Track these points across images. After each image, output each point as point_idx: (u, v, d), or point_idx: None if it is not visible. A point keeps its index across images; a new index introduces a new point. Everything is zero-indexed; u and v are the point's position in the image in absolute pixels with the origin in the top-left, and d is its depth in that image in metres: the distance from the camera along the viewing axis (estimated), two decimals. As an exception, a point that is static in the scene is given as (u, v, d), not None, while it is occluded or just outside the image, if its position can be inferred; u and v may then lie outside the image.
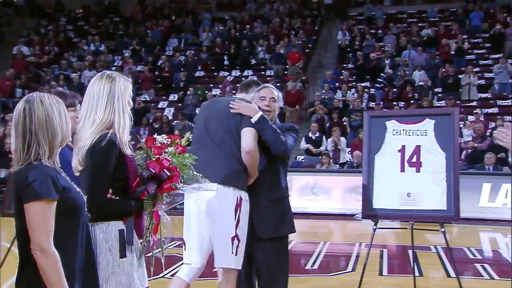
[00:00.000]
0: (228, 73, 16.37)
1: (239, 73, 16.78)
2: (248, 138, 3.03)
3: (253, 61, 17.09)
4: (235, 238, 2.97)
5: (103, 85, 2.28)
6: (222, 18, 19.37)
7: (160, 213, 2.35)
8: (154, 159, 2.34)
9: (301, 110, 14.38)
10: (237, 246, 2.97)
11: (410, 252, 4.99)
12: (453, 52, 15.18)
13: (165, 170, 2.31)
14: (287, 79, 15.63)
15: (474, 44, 16.09)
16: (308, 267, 5.81)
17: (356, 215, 8.18)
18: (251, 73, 16.72)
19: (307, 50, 17.30)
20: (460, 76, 13.88)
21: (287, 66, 16.21)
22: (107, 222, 2.22)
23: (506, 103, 13.23)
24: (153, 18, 19.64)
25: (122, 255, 2.21)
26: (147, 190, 2.27)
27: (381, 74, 14.51)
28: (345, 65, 16.17)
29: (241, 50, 16.85)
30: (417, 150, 4.11)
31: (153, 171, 2.29)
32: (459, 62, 14.90)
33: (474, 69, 14.21)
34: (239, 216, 2.98)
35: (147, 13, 19.98)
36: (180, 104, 15.38)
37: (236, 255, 2.97)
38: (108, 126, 2.25)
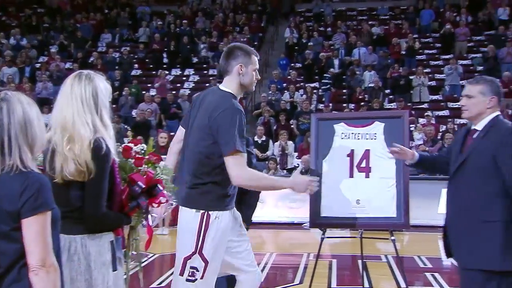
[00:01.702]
0: (167, 72, 16.18)
1: (180, 72, 16.63)
2: (231, 170, 2.80)
3: (195, 59, 16.99)
4: (195, 260, 2.81)
5: (84, 87, 2.27)
6: (160, 12, 19.15)
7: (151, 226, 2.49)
8: (135, 171, 2.41)
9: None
10: (196, 270, 2.80)
11: (360, 262, 5.08)
12: (404, 52, 15.73)
13: (158, 185, 2.43)
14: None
15: (424, 43, 16.76)
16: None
17: (304, 224, 8.27)
18: (193, 71, 16.62)
19: (252, 48, 17.37)
20: (411, 77, 14.40)
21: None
22: (99, 234, 2.25)
23: (457, 106, 13.81)
24: (84, 11, 19.12)
25: (114, 268, 2.26)
26: (139, 206, 2.35)
27: (325, 75, 14.80)
28: (293, 64, 16.39)
29: (181, 47, 16.71)
30: (367, 154, 4.20)
31: (143, 186, 2.36)
32: (410, 62, 15.47)
33: (425, 70, 14.79)
34: (204, 235, 2.81)
35: (77, 4, 19.45)
36: (114, 105, 15.01)
37: (192, 281, 2.81)
38: (95, 130, 2.24)
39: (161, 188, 2.46)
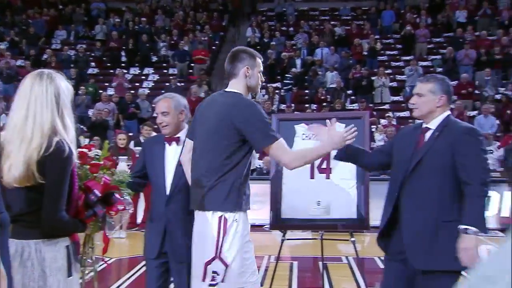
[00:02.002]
0: (125, 71, 15.95)
1: (138, 71, 16.43)
2: (281, 157, 2.83)
3: (154, 58, 16.82)
4: (215, 264, 2.77)
5: (45, 87, 2.21)
6: (118, 9, 18.87)
7: (107, 234, 2.48)
8: (90, 177, 2.38)
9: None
10: (217, 274, 2.77)
11: (320, 263, 5.13)
12: (365, 53, 16.00)
13: (115, 193, 2.41)
14: (192, 78, 15.55)
15: (386, 44, 17.09)
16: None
17: (265, 226, 8.29)
18: (152, 71, 16.45)
19: (213, 47, 17.35)
20: (373, 78, 14.65)
21: (192, 64, 16.14)
22: (55, 240, 2.20)
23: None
24: (36, 6, 18.64)
25: (69, 273, 2.22)
26: (96, 214, 2.33)
27: (287, 75, 14.90)
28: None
29: (140, 45, 16.51)
30: (327, 155, 4.23)
31: (99, 195, 2.33)
32: (372, 63, 15.75)
33: (386, 71, 15.08)
34: (223, 239, 2.78)
35: (29, -1, 18.94)
36: (69, 105, 14.68)
37: (214, 286, 2.79)
38: (55, 132, 2.18)
39: (118, 196, 2.44)
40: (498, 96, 13.84)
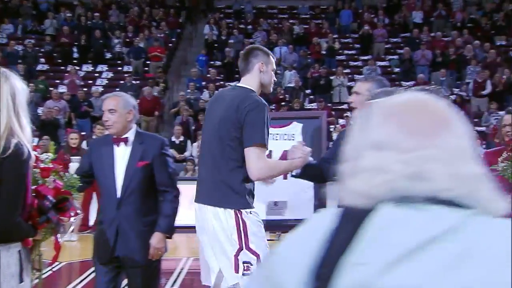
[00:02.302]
0: (78, 68, 15.61)
1: (92, 68, 16.12)
2: (249, 165, 2.85)
3: (108, 55, 16.53)
4: (245, 255, 2.83)
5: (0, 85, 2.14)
6: (69, 3, 18.42)
7: (59, 239, 2.44)
8: (40, 182, 2.33)
9: (160, 121, 14.19)
10: (250, 264, 2.83)
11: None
12: (324, 52, 16.20)
13: (70, 200, 2.39)
14: (147, 76, 15.38)
15: (344, 44, 17.36)
16: (167, 287, 5.72)
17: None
18: (106, 68, 16.17)
19: (170, 45, 17.20)
20: (331, 78, 14.85)
21: (148, 62, 15.95)
22: (7, 245, 2.13)
23: (375, 106, 14.45)
24: (-19, -2, 18.02)
25: (21, 279, 2.17)
26: (49, 220, 2.29)
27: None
28: (212, 62, 16.38)
29: (93, 41, 16.19)
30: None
31: (54, 201, 2.29)
32: (330, 62, 15.96)
33: (345, 71, 15.32)
34: (245, 231, 2.84)
35: (-28, -9, 18.28)
36: (17, 103, 14.26)
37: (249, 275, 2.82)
38: (12, 133, 2.11)
39: (72, 202, 2.42)
40: (453, 97, 14.28)
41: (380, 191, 0.80)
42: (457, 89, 14.68)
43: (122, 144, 3.24)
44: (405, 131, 0.81)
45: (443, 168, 0.78)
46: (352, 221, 0.81)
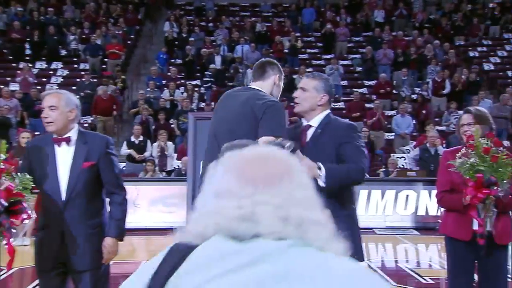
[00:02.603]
0: (31, 65, 15.24)
1: (46, 65, 15.78)
2: None
3: (63, 52, 16.20)
4: None
5: None
6: (22, -3, 17.99)
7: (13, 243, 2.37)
8: None
9: (117, 121, 14.01)
10: None
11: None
12: (286, 50, 16.31)
13: (23, 203, 2.35)
14: (105, 74, 15.14)
15: (306, 42, 17.51)
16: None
17: (184, 229, 8.24)
18: (61, 65, 15.85)
19: (129, 42, 16.99)
20: (294, 76, 14.95)
21: (106, 60, 15.71)
22: None
23: (337, 106, 14.61)
24: None
25: None
26: (1, 224, 2.27)
27: (206, 72, 14.90)
28: (172, 60, 16.26)
29: (47, 37, 15.83)
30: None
31: (6, 204, 2.26)
32: (293, 61, 16.08)
33: (307, 69, 15.44)
34: None
35: None
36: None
37: None
38: None
39: (25, 205, 2.34)
40: (414, 96, 14.60)
41: (211, 231, 0.91)
42: (418, 89, 15.00)
43: (63, 144, 3.14)
44: (242, 180, 0.91)
45: (273, 212, 0.88)
46: (178, 253, 0.95)
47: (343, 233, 2.62)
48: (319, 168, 2.81)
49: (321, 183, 2.77)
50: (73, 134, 3.16)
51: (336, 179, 2.82)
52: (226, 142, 2.87)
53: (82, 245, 3.09)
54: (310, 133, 3.05)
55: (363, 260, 3.07)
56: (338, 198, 2.88)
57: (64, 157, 3.12)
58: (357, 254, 2.90)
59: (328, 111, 3.10)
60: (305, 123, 3.09)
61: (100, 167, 3.16)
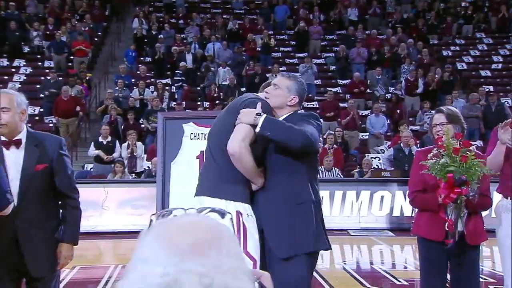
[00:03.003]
0: (-8, 62, 14.98)
1: (7, 63, 15.54)
2: (232, 136, 2.93)
3: (26, 49, 15.94)
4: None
5: None
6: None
7: None
8: None
9: (87, 121, 13.85)
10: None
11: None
12: (259, 49, 16.36)
13: None
14: (71, 72, 14.96)
15: (279, 40, 17.60)
16: (95, 298, 5.64)
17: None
18: (24, 62, 15.61)
19: (96, 39, 16.81)
20: (267, 75, 15.00)
21: (72, 57, 15.52)
22: None
23: (311, 105, 14.73)
24: None
25: None
26: None
27: (177, 71, 14.86)
28: (142, 58, 16.16)
29: (8, 33, 15.56)
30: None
31: None
32: (266, 59, 16.14)
33: (281, 68, 15.51)
34: (245, 232, 2.89)
35: None
36: None
37: None
38: None
39: None
40: (388, 96, 14.81)
41: None
42: (392, 88, 15.21)
43: (13, 147, 3.06)
44: (170, 248, 0.93)
45: (198, 281, 0.91)
46: None
47: (296, 226, 2.63)
48: (259, 114, 2.90)
49: (258, 128, 2.88)
50: (22, 136, 3.08)
51: (277, 130, 2.90)
52: (216, 154, 3.00)
53: (37, 252, 3.05)
54: None
55: (327, 248, 3.08)
56: (292, 191, 2.98)
57: (13, 160, 3.03)
58: (308, 242, 2.95)
59: (295, 111, 3.14)
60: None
61: (53, 169, 3.10)
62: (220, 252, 0.94)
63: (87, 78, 14.59)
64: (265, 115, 2.92)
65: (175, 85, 14.80)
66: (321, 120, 14.37)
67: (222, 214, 1.02)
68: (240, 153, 2.90)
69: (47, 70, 14.71)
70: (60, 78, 14.31)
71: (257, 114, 2.91)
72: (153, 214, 1.32)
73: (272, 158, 3.03)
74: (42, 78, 14.41)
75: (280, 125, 2.95)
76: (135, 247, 1.00)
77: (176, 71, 14.95)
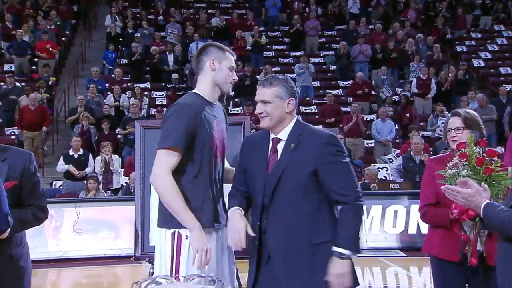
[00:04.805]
0: None
1: (-39, 66, 15.50)
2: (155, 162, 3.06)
3: (-18, 50, 15.96)
4: None
5: None
6: None
7: None
8: None
9: (54, 132, 13.84)
10: None
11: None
12: (249, 47, 16.42)
13: None
14: (35, 77, 14.95)
15: (272, 38, 17.68)
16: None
17: (133, 257, 8.19)
18: (-19, 66, 15.59)
19: (64, 39, 16.82)
20: (258, 77, 15.05)
21: (36, 59, 15.52)
22: None
23: (309, 110, 14.80)
24: None
25: None
26: None
27: (157, 74, 14.90)
28: (117, 60, 16.18)
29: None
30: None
31: None
32: (257, 59, 16.20)
33: (274, 69, 15.57)
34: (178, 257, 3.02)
35: None
36: None
37: None
38: None
39: None
40: (396, 98, 14.88)
41: None
42: (400, 89, 15.27)
43: None
44: None
45: None
46: None
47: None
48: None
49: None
50: None
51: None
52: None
53: (2, 278, 3.08)
54: (280, 148, 3.05)
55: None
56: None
57: None
58: None
59: (296, 118, 3.10)
60: (272, 135, 3.09)
61: (23, 186, 3.15)
62: None
63: (50, 83, 14.54)
64: None
65: (155, 89, 14.79)
66: (320, 126, 14.22)
67: (212, 281, 1.02)
68: (155, 185, 3.09)
69: (7, 75, 14.59)
70: (23, 84, 14.29)
71: None
72: (135, 283, 1.34)
73: None
74: (2, 83, 14.37)
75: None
76: None
77: (157, 74, 14.98)
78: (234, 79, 3.28)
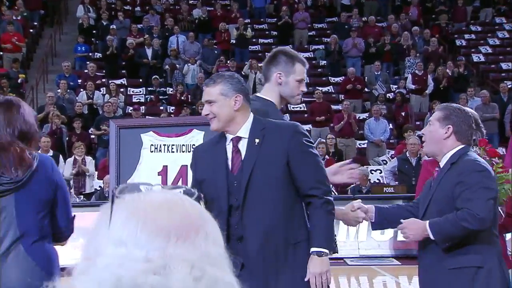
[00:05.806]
0: None
1: None
2: None
3: None
4: None
5: None
6: None
7: None
8: None
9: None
10: None
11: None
12: (233, 41, 16.43)
13: None
14: (1, 72, 14.85)
15: (258, 31, 17.70)
16: None
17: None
18: None
19: (31, 31, 16.72)
20: (243, 73, 15.07)
21: (1, 53, 15.42)
22: None
23: (297, 108, 14.81)
24: None
25: None
26: None
27: (134, 69, 14.87)
28: (90, 54, 16.12)
29: None
30: (184, 171, 4.33)
31: None
32: (242, 54, 16.21)
33: (260, 64, 15.57)
34: None
35: None
36: None
37: None
38: None
39: None
40: (390, 95, 14.94)
41: (111, 284, 0.96)
42: (395, 86, 15.34)
43: None
44: (151, 229, 0.98)
45: (188, 269, 0.97)
46: None
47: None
48: None
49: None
50: None
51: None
52: None
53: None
54: (242, 146, 3.07)
55: None
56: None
57: None
58: None
59: (252, 114, 3.10)
60: (230, 136, 3.08)
61: None
62: (207, 238, 1.00)
63: (20, 81, 14.45)
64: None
65: (132, 85, 14.76)
66: (310, 126, 14.35)
67: (191, 194, 1.05)
68: None
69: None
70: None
71: None
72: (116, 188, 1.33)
73: None
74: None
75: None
76: (96, 226, 1.01)
77: (133, 69, 14.95)
78: (303, 91, 3.40)
